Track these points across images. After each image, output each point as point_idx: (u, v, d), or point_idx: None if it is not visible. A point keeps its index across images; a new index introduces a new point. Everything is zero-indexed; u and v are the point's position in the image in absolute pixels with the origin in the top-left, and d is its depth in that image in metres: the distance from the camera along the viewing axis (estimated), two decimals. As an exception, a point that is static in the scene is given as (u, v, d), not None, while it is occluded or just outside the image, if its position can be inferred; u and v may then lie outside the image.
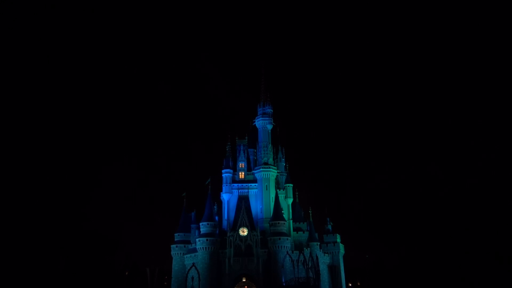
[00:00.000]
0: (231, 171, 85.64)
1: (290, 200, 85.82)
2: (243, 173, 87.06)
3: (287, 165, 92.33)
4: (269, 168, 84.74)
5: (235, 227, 78.38)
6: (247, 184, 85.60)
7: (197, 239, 77.64)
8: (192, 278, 73.41)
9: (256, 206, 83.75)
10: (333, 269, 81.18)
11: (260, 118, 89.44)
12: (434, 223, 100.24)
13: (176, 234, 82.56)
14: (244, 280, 76.03)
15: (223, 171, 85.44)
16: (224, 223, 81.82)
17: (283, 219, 79.35)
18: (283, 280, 74.10)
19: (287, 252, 76.26)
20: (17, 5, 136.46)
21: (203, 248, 76.15)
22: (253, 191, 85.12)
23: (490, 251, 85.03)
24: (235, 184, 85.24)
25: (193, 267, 74.49)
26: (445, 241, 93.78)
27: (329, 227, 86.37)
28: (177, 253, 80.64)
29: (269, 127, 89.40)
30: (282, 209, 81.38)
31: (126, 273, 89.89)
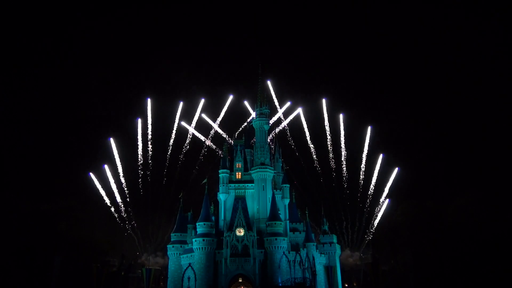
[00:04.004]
0: (228, 171, 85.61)
1: (287, 201, 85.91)
2: (240, 173, 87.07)
3: (284, 166, 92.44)
4: (266, 168, 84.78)
5: (231, 228, 78.42)
6: (244, 185, 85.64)
7: (193, 239, 77.56)
8: (189, 278, 73.48)
9: (252, 207, 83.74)
10: (329, 269, 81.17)
11: (257, 119, 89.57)
12: (433, 223, 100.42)
13: (172, 234, 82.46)
14: (240, 280, 76.11)
15: (220, 171, 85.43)
16: (221, 223, 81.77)
17: (280, 219, 79.50)
18: (280, 281, 74.23)
19: (284, 252, 76.47)
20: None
21: (199, 248, 76.08)
22: (249, 192, 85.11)
23: (493, 253, 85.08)
24: (232, 184, 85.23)
25: (190, 267, 74.59)
26: (443, 241, 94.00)
27: (326, 227, 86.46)
28: (174, 253, 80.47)
29: (266, 127, 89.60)
30: (278, 210, 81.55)
31: (122, 274, 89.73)
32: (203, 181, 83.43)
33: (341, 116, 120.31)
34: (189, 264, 75.63)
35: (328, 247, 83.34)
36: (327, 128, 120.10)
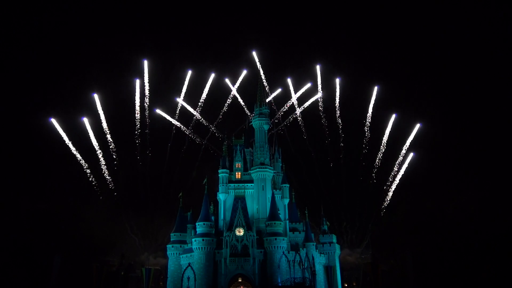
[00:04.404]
0: (228, 171, 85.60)
1: (286, 201, 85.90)
2: (239, 173, 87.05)
3: (284, 166, 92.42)
4: (266, 168, 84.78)
5: (231, 227, 78.47)
6: (243, 184, 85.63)
7: (193, 239, 77.60)
8: (188, 278, 73.61)
9: (252, 206, 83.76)
10: (329, 269, 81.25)
11: (257, 119, 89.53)
12: (432, 223, 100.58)
13: (172, 234, 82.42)
14: (240, 280, 76.17)
15: (219, 171, 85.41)
16: (221, 223, 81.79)
17: (279, 219, 79.54)
18: (279, 280, 74.27)
19: (283, 252, 76.51)
20: None
21: (199, 248, 76.12)
22: (249, 191, 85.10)
23: (492, 253, 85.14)
24: (232, 184, 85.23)
25: (189, 267, 74.70)
26: (443, 241, 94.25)
27: (325, 227, 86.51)
28: (173, 253, 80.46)
29: (266, 127, 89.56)
30: (278, 210, 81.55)
31: (122, 273, 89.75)
32: (203, 181, 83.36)
33: (337, 81, 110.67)
34: (189, 264, 75.70)
35: (327, 247, 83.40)
36: (320, 93, 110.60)
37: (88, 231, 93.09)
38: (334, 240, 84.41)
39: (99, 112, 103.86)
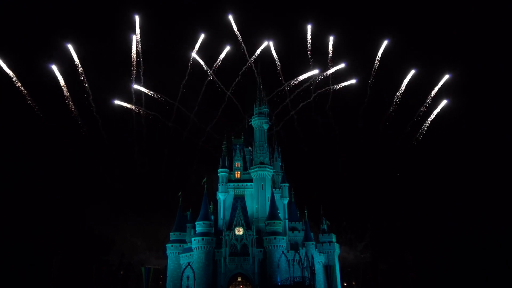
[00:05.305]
0: (227, 170, 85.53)
1: (286, 200, 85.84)
2: (239, 172, 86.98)
3: (283, 165, 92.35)
4: (265, 167, 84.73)
5: (230, 227, 78.43)
6: (243, 184, 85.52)
7: (192, 239, 77.61)
8: (188, 277, 73.64)
9: (252, 206, 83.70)
10: (328, 268, 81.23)
11: (256, 118, 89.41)
12: (431, 223, 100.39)
13: (171, 233, 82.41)
14: (239, 279, 76.16)
15: (219, 170, 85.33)
16: (220, 222, 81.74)
17: (279, 218, 79.52)
18: (279, 280, 74.25)
19: (283, 251, 76.51)
20: None
21: (198, 247, 76.13)
22: (249, 191, 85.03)
23: (492, 252, 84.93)
24: (231, 184, 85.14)
25: (189, 267, 74.71)
26: (442, 241, 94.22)
27: (325, 226, 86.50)
28: (173, 253, 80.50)
29: (265, 126, 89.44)
30: (277, 209, 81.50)
31: (122, 273, 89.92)
32: (203, 181, 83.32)
33: (330, 39, 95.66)
34: (188, 263, 75.72)
35: (327, 246, 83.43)
36: (310, 53, 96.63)
37: (87, 230, 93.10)
38: (334, 239, 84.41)
39: (77, 63, 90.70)
